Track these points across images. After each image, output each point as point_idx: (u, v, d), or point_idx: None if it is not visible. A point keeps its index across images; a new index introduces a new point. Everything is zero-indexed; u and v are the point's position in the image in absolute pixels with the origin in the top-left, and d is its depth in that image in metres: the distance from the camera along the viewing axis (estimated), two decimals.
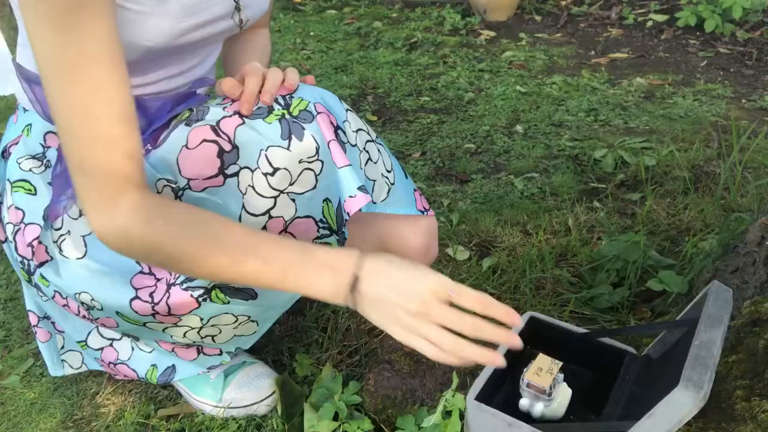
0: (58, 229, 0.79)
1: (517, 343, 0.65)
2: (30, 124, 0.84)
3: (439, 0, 3.58)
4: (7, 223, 0.84)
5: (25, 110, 0.86)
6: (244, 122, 0.71)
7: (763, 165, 1.67)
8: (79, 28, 0.59)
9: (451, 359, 0.63)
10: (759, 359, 0.74)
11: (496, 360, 0.64)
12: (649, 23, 3.13)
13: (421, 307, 0.62)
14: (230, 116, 0.72)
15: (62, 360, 1.02)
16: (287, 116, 0.72)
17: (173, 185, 0.72)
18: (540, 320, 0.91)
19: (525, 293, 1.22)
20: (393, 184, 0.87)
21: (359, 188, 0.76)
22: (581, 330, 0.90)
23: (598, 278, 1.23)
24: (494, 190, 1.68)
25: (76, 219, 0.79)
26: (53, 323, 0.98)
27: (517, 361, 0.90)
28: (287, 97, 0.75)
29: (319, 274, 0.65)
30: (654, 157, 1.73)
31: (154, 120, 0.79)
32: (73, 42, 0.60)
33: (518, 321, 0.66)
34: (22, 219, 0.81)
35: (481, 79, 2.53)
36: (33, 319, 0.98)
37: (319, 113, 0.74)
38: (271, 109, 0.73)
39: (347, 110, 0.82)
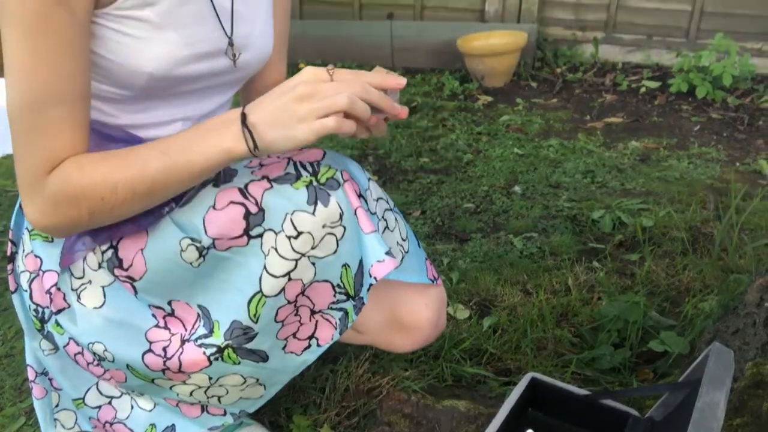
0: (80, 277, 0.80)
1: (402, 83, 0.67)
2: None
3: (438, 67, 3.70)
4: (23, 271, 0.85)
5: None
6: (272, 186, 0.74)
7: (759, 227, 1.69)
8: (45, 33, 0.64)
9: (358, 114, 0.64)
10: (763, 422, 0.73)
11: (401, 80, 0.67)
12: (643, 89, 3.23)
13: (307, 87, 0.64)
14: (259, 180, 0.74)
15: (55, 419, 1.00)
16: (314, 183, 0.75)
17: (197, 244, 0.74)
18: (542, 381, 0.90)
19: (526, 353, 1.20)
20: (407, 252, 0.89)
21: (387, 253, 0.77)
22: (583, 391, 0.89)
23: (599, 338, 1.22)
24: (494, 249, 1.69)
25: (96, 270, 0.80)
26: (51, 380, 0.97)
27: (518, 422, 0.89)
28: (315, 164, 0.78)
29: (213, 134, 0.67)
30: (651, 219, 1.75)
31: None
32: (37, 44, 0.64)
33: (403, 81, 0.68)
34: (41, 266, 0.82)
35: (479, 141, 2.59)
36: (31, 374, 0.97)
37: (345, 181, 0.77)
38: (299, 175, 0.76)
39: (369, 179, 0.85)
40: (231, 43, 0.82)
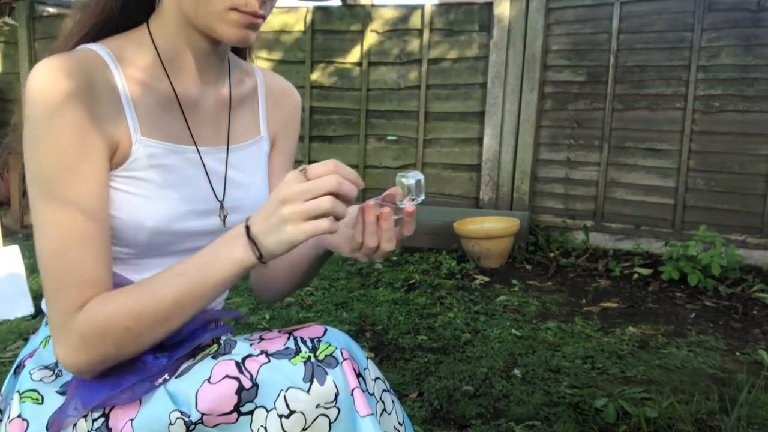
0: None
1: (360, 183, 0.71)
2: (48, 337, 0.87)
3: (436, 247, 3.85)
4: None
5: (47, 323, 0.90)
6: (269, 361, 0.74)
7: (766, 421, 1.62)
8: (67, 184, 0.71)
9: (337, 213, 0.67)
10: None
11: (360, 182, 0.71)
12: (635, 276, 3.31)
13: (287, 189, 0.68)
14: (257, 355, 0.75)
15: None
16: (313, 359, 0.75)
17: (186, 418, 0.72)
18: None
19: None
20: None
21: None
22: None
23: None
24: None
25: None
26: None
27: None
28: (315, 340, 0.79)
29: (224, 249, 0.71)
30: (655, 409, 1.69)
31: (179, 334, 0.81)
32: (60, 195, 0.72)
33: (361, 183, 0.71)
34: (26, 429, 0.79)
35: (477, 320, 2.60)
36: None
37: (344, 359, 0.77)
38: (298, 351, 0.76)
39: (367, 359, 0.85)
40: (222, 206, 0.88)
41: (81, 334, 0.71)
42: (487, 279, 3.27)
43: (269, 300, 1.06)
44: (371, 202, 0.76)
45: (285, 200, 0.68)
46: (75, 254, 0.72)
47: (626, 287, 3.17)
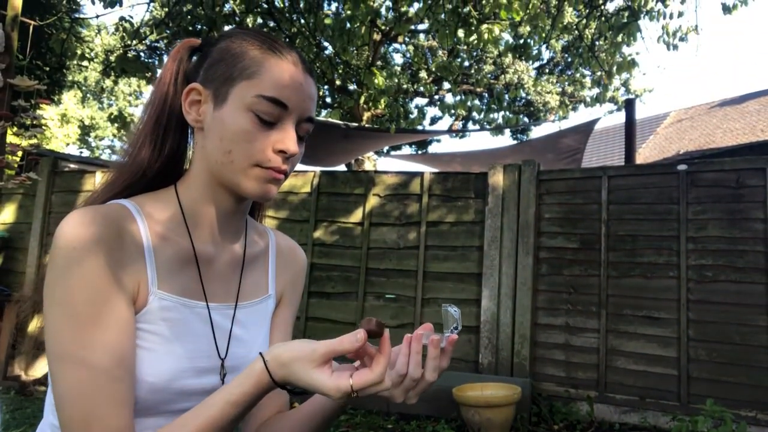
0: None
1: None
2: None
3: (434, 414, 3.67)
4: None
5: None
6: None
7: None
8: (96, 318, 0.71)
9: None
10: None
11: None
12: None
13: (345, 395, 0.70)
14: None
15: None
16: None
17: None
18: None
19: None
20: None
21: None
22: None
23: None
24: None
25: None
26: None
27: None
28: None
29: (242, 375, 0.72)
30: None
31: None
32: (87, 330, 0.70)
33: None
34: None
35: None
36: None
37: None
38: None
39: None
40: (222, 364, 0.86)
41: None
42: None
43: None
44: (420, 332, 0.75)
45: (343, 396, 0.72)
46: (98, 402, 0.71)
47: None
